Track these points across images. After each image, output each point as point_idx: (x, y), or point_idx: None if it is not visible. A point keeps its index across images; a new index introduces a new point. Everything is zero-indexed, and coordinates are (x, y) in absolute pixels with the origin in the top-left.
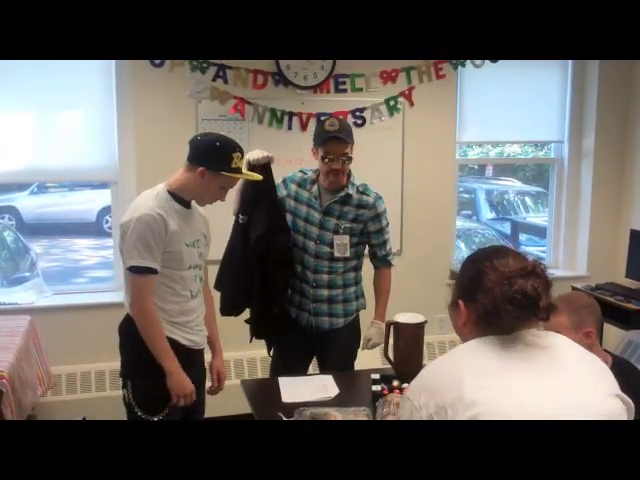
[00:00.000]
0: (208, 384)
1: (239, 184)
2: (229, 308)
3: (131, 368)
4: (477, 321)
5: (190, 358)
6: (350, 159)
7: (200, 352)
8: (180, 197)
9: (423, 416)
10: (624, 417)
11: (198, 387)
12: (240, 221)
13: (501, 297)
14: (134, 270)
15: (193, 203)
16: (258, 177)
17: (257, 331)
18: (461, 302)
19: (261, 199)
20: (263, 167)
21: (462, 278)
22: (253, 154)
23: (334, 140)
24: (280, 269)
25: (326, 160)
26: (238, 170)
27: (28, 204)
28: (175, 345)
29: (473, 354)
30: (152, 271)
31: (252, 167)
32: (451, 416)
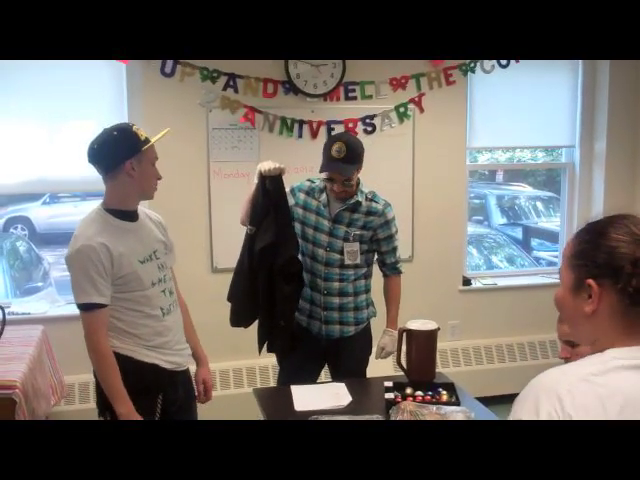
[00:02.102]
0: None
1: (251, 195)
2: (237, 319)
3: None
4: (621, 300)
5: (173, 381)
6: (352, 183)
7: (184, 372)
8: (123, 211)
9: None
10: None
11: (188, 409)
12: (248, 232)
13: None
14: (81, 307)
15: (142, 211)
16: (166, 130)
17: (264, 344)
18: (591, 280)
19: (271, 210)
20: (274, 179)
21: (587, 252)
22: (265, 165)
23: (337, 168)
24: (286, 282)
25: (328, 182)
26: (148, 139)
27: (40, 214)
28: (156, 370)
29: (613, 381)
30: (99, 306)
31: (264, 178)
32: None
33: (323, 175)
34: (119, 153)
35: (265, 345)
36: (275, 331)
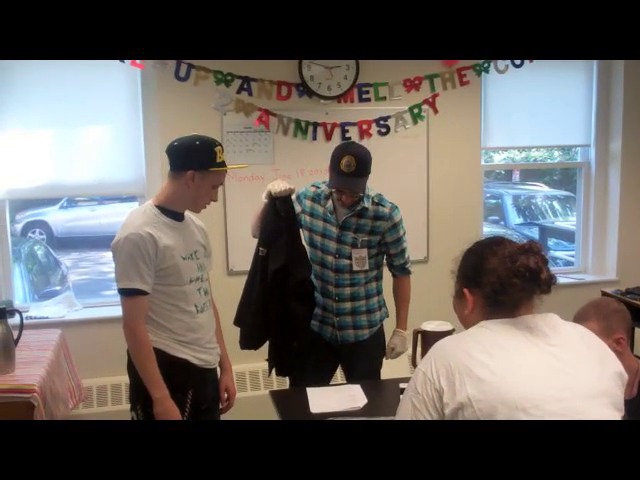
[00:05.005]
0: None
1: (260, 210)
2: (248, 342)
3: (143, 391)
4: (485, 303)
5: (203, 378)
6: (361, 195)
7: (213, 370)
8: (171, 210)
9: (435, 385)
10: (620, 396)
11: (213, 406)
12: (260, 254)
13: (506, 273)
14: (123, 292)
15: (187, 215)
16: (244, 166)
17: (275, 366)
18: (466, 290)
19: (281, 232)
20: (284, 199)
21: (464, 268)
22: (275, 186)
23: (348, 184)
24: (299, 302)
25: (338, 193)
26: (223, 164)
27: (58, 218)
28: (187, 366)
29: (479, 334)
30: (141, 292)
31: (273, 199)
32: (459, 383)
33: (330, 184)
34: (188, 160)
35: (274, 369)
36: (286, 353)
